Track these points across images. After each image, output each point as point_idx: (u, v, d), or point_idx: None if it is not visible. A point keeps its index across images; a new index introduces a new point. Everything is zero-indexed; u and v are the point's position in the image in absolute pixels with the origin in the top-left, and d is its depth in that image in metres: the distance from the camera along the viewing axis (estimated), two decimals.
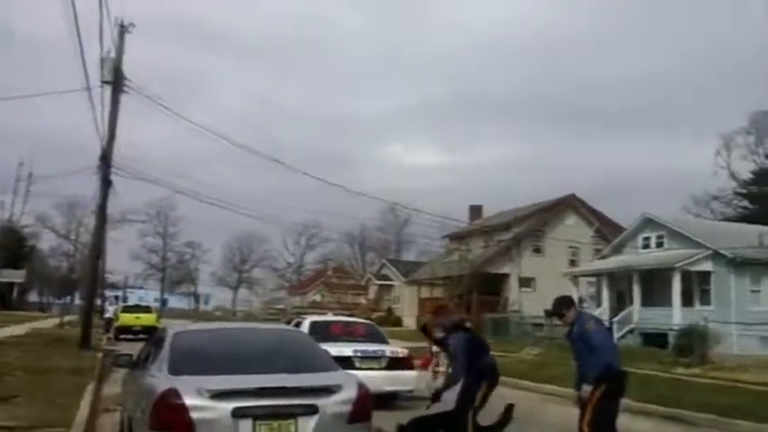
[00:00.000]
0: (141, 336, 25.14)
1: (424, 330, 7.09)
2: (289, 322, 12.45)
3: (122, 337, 27.08)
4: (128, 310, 30.52)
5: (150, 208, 65.78)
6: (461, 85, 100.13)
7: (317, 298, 64.61)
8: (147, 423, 4.62)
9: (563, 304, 6.23)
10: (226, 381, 4.71)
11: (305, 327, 10.94)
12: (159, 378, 4.93)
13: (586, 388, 5.72)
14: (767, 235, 26.06)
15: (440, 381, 6.81)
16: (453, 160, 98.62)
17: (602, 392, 5.68)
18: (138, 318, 28.60)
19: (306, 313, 26.66)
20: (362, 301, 55.09)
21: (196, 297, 77.19)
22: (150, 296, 62.06)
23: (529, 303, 33.32)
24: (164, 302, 68.77)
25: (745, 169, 45.77)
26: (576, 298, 20.78)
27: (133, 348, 9.55)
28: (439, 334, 6.76)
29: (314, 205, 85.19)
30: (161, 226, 72.13)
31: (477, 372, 6.37)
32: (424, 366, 16.37)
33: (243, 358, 5.29)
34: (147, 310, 30.63)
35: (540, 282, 35.76)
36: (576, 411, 6.01)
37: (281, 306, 63.26)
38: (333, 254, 75.05)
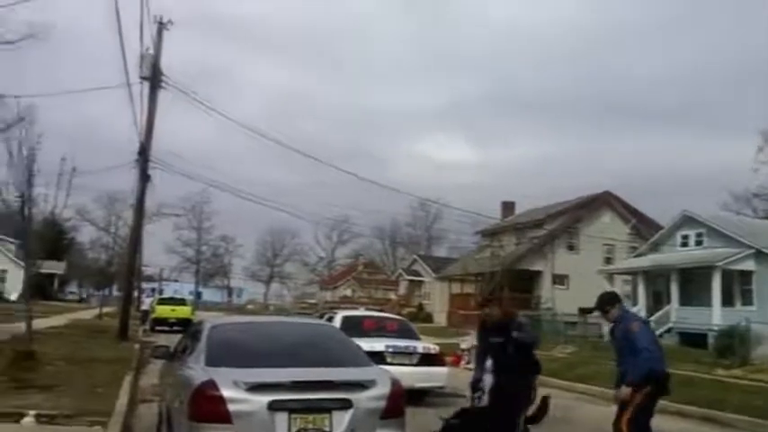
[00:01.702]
0: (177, 328, 25.60)
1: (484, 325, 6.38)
2: (321, 316, 12.52)
3: (158, 328, 27.65)
4: (164, 302, 31.14)
5: (185, 202, 66.90)
6: (493, 83, 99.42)
7: (348, 293, 64.92)
8: (185, 414, 4.69)
9: (607, 301, 6.07)
10: (262, 374, 4.76)
11: (337, 321, 10.99)
12: (197, 370, 4.99)
13: (625, 389, 5.62)
14: None
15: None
16: (485, 157, 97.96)
17: (645, 393, 5.56)
18: (173, 310, 29.16)
19: (338, 308, 26.79)
20: (393, 296, 55.14)
21: (229, 291, 78.33)
22: (185, 289, 63.19)
23: (562, 301, 32.85)
24: (198, 295, 70.03)
25: None
26: None
27: (169, 340, 9.75)
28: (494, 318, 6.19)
29: (344, 200, 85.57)
30: (196, 220, 73.38)
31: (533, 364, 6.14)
32: (456, 363, 16.36)
33: (278, 352, 5.33)
34: (182, 302, 31.21)
35: (574, 279, 35.23)
36: (609, 410, 5.92)
37: (312, 300, 63.76)
38: (364, 249, 75.38)
